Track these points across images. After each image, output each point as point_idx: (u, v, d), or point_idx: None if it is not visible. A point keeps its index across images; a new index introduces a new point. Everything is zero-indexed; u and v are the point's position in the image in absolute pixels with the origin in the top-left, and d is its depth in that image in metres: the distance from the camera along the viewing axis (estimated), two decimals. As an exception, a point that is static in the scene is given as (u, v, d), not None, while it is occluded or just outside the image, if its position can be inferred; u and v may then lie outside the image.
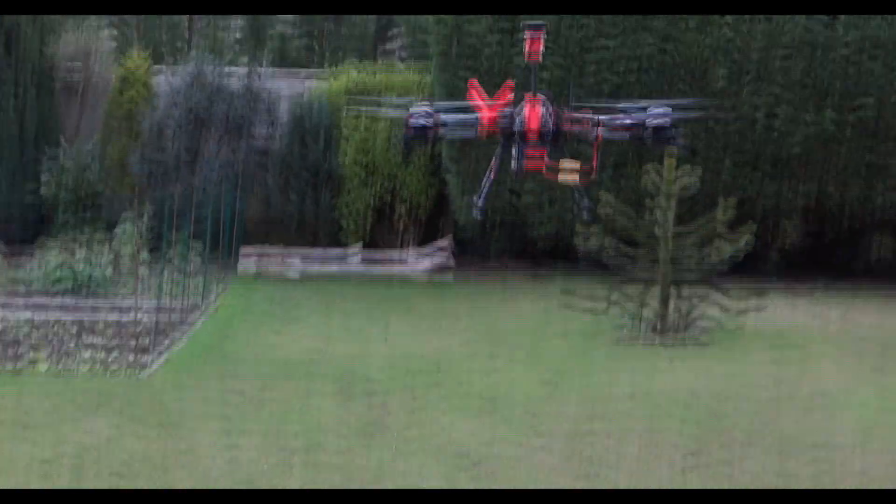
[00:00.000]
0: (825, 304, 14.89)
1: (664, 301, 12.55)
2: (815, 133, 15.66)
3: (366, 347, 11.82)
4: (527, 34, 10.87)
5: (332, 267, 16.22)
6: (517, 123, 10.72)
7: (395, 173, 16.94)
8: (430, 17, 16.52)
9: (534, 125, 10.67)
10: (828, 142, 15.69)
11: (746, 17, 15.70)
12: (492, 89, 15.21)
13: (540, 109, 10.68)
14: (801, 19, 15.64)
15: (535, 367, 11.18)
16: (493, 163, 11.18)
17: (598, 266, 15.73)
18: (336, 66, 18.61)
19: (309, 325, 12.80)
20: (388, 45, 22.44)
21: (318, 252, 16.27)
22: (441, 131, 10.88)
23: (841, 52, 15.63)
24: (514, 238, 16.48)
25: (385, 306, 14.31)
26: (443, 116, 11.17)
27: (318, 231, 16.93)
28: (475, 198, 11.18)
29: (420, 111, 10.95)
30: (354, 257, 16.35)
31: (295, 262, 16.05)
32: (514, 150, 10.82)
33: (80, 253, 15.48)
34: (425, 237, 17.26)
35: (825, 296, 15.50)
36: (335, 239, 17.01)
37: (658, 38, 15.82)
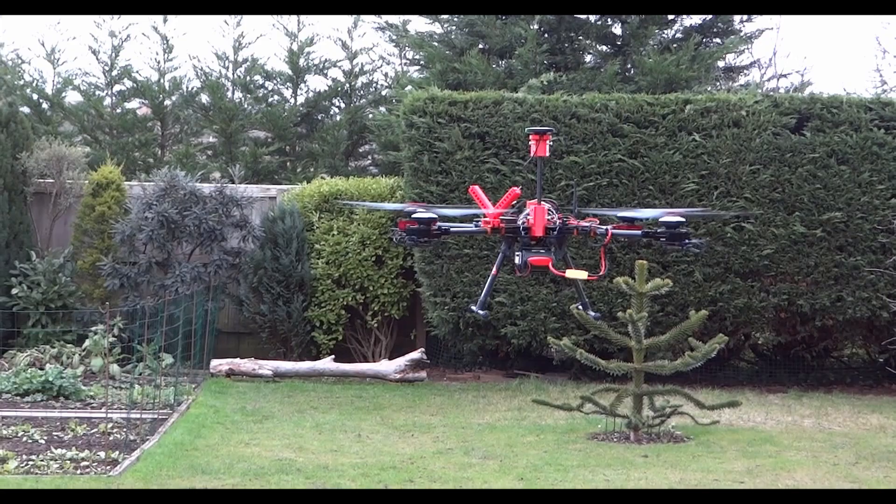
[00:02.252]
0: (799, 402, 15.00)
1: (637, 399, 12.55)
2: (785, 240, 15.83)
3: (339, 448, 11.71)
4: (533, 138, 11.09)
5: (305, 366, 16.24)
6: (521, 222, 10.88)
7: (366, 282, 16.99)
8: (401, 132, 16.67)
9: (539, 224, 10.81)
10: (798, 248, 15.86)
11: (715, 127, 15.92)
12: (463, 202, 15.46)
13: (544, 211, 10.85)
14: (768, 129, 15.87)
15: (509, 462, 11.09)
16: (494, 266, 11.32)
17: (570, 367, 15.86)
18: (308, 181, 18.75)
19: (281, 429, 12.67)
20: (360, 162, 22.68)
21: (288, 365, 16.24)
22: (447, 225, 11.04)
23: (809, 158, 15.86)
24: (488, 340, 16.50)
25: (357, 406, 14.26)
26: (445, 211, 11.36)
27: (290, 339, 16.95)
28: (476, 306, 11.29)
29: (420, 210, 11.16)
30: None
31: (266, 370, 16.02)
32: (517, 249, 10.95)
33: (51, 361, 15.47)
34: (398, 343, 17.33)
35: (799, 393, 15.64)
36: (307, 348, 17.04)
37: (628, 147, 15.99)
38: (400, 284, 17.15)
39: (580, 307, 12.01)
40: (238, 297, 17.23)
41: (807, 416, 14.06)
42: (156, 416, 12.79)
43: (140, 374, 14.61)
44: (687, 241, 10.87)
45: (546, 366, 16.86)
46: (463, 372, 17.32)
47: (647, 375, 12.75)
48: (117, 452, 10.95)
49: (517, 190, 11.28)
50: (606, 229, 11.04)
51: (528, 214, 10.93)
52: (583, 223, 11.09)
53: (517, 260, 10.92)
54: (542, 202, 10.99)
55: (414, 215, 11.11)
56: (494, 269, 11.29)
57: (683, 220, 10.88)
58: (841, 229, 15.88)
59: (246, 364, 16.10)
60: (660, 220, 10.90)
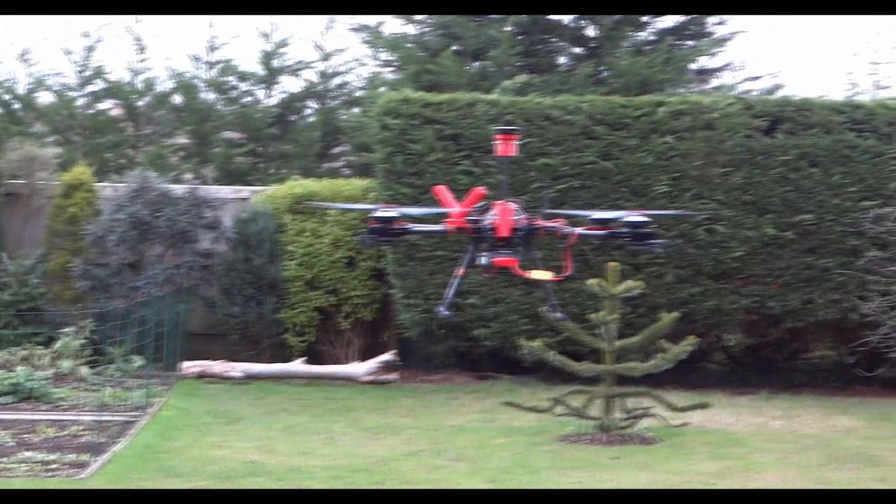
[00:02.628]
0: (768, 404, 15.05)
1: (608, 400, 12.57)
2: (756, 242, 15.88)
3: (309, 450, 11.70)
4: (499, 137, 11.00)
5: (276, 368, 16.23)
6: (487, 222, 10.78)
7: (338, 284, 16.98)
8: (374, 134, 16.66)
9: (504, 225, 10.71)
10: (769, 251, 15.90)
11: (687, 130, 15.96)
12: (435, 204, 15.38)
13: (510, 211, 10.76)
14: (740, 132, 15.91)
15: (480, 464, 11.10)
16: (460, 267, 11.22)
17: (542, 369, 15.86)
18: (281, 182, 18.71)
19: (251, 431, 12.65)
20: (333, 163, 22.64)
21: (259, 367, 16.23)
22: (408, 225, 10.92)
23: (781, 160, 15.91)
24: (459, 342, 16.50)
25: (328, 408, 14.25)
26: (408, 211, 11.26)
27: (262, 341, 16.92)
28: (441, 307, 11.22)
29: (385, 208, 11.06)
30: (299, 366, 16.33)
31: (237, 372, 15.99)
32: (483, 250, 10.86)
33: (21, 363, 15.40)
34: (370, 345, 17.31)
35: (769, 395, 15.69)
36: (279, 350, 17.02)
37: (601, 149, 16.01)
38: (372, 286, 17.13)
39: (549, 309, 11.98)
40: (210, 298, 17.18)
41: (776, 417, 14.10)
42: (126, 418, 12.76)
43: (110, 377, 14.57)
44: (651, 240, 10.79)
45: (517, 368, 16.84)
46: (434, 374, 17.30)
47: (619, 377, 12.76)
48: (87, 455, 10.92)
49: (482, 189, 11.19)
50: (571, 230, 10.96)
51: (493, 215, 10.84)
52: (549, 224, 11.01)
53: (482, 260, 10.82)
54: (509, 202, 10.90)
55: (374, 214, 10.98)
56: (461, 270, 11.18)
57: (648, 219, 10.79)
58: (812, 231, 15.93)
59: (217, 366, 16.06)
60: (623, 219, 10.80)
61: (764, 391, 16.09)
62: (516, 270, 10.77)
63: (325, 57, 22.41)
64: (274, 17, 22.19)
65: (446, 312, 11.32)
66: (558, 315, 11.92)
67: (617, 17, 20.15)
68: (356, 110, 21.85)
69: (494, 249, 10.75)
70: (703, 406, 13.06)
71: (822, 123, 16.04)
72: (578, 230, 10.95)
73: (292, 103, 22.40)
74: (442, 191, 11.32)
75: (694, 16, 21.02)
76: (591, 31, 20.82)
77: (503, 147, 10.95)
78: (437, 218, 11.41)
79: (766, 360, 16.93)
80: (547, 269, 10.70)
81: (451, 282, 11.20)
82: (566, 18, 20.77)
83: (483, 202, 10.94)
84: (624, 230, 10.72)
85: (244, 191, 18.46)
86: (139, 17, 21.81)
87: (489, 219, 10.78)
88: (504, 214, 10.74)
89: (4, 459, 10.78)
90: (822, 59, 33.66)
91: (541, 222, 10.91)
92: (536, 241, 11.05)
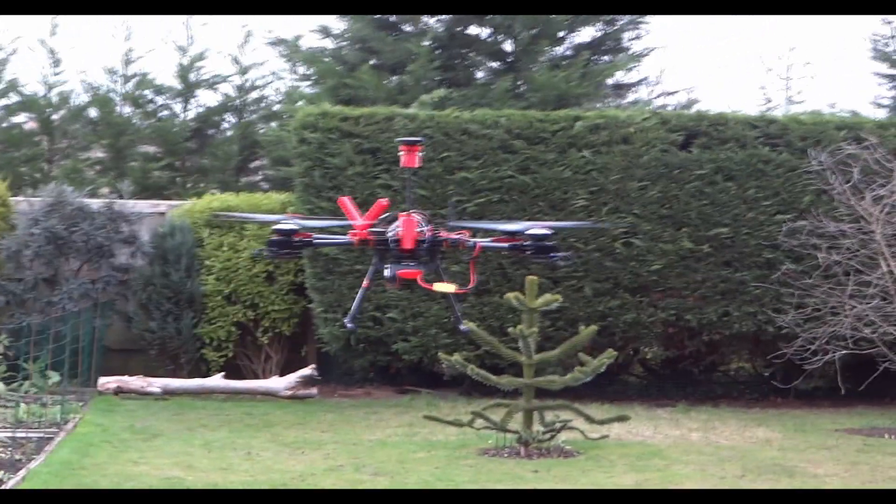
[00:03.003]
0: (687, 416, 15.18)
1: (528, 414, 12.61)
2: (673, 256, 16.02)
3: (228, 466, 11.62)
4: (402, 149, 10.97)
5: (195, 384, 16.12)
6: (391, 234, 10.72)
7: (257, 299, 16.92)
8: (292, 148, 16.63)
9: (408, 236, 10.67)
10: (686, 264, 16.05)
11: (604, 144, 16.08)
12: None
13: (414, 223, 10.71)
14: (657, 146, 16.05)
15: (400, 479, 11.09)
16: (365, 279, 11.17)
17: (462, 383, 15.90)
18: (198, 197, 18.61)
19: (170, 447, 12.55)
20: (251, 177, 22.57)
21: (177, 382, 16.12)
22: (310, 238, 10.85)
23: (696, 174, 16.07)
24: (379, 356, 16.48)
25: (247, 423, 14.19)
26: (311, 223, 11.17)
27: (180, 356, 16.81)
28: (346, 319, 11.15)
29: (288, 220, 10.98)
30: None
31: (155, 388, 15.86)
32: (387, 262, 10.81)
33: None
34: (289, 359, 17.25)
35: (687, 407, 15.83)
36: (197, 365, 16.92)
37: (519, 163, 16.08)
38: (291, 301, 17.08)
39: (453, 320, 11.97)
40: (127, 313, 17.05)
41: (694, 429, 14.22)
42: (42, 435, 12.60)
43: (26, 393, 14.40)
44: (553, 254, 10.81)
45: (437, 382, 16.89)
46: (354, 388, 17.28)
47: (538, 391, 12.81)
48: (2, 472, 10.77)
49: (384, 201, 11.17)
50: (475, 242, 10.97)
51: (397, 227, 10.79)
52: (452, 235, 11.00)
53: (386, 273, 10.77)
54: (413, 214, 10.86)
55: (275, 227, 10.93)
56: (366, 282, 11.13)
57: (550, 232, 10.82)
58: (728, 245, 16.10)
59: (135, 382, 15.93)
60: (525, 232, 10.82)
61: (682, 403, 16.25)
62: (420, 282, 10.75)
63: (243, 71, 22.33)
64: (189, 32, 22.08)
65: (351, 325, 11.28)
66: (462, 328, 11.94)
67: (534, 31, 20.25)
68: (274, 124, 21.81)
69: (399, 261, 10.72)
70: (622, 419, 13.15)
71: (736, 138, 16.23)
72: (482, 242, 10.98)
73: (210, 117, 22.30)
74: (345, 202, 11.24)
75: (610, 31, 21.20)
76: (508, 46, 20.92)
77: (407, 158, 10.92)
78: (340, 230, 11.36)
79: (685, 373, 17.11)
80: (451, 281, 10.71)
81: (358, 294, 11.16)
82: (484, 33, 20.88)
83: (387, 214, 10.91)
84: (527, 243, 10.77)
85: (162, 205, 18.34)
86: (54, 30, 21.62)
87: (393, 231, 10.74)
88: (408, 226, 10.70)
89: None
90: (735, 75, 34.06)
91: (445, 234, 10.90)
92: (441, 253, 11.06)
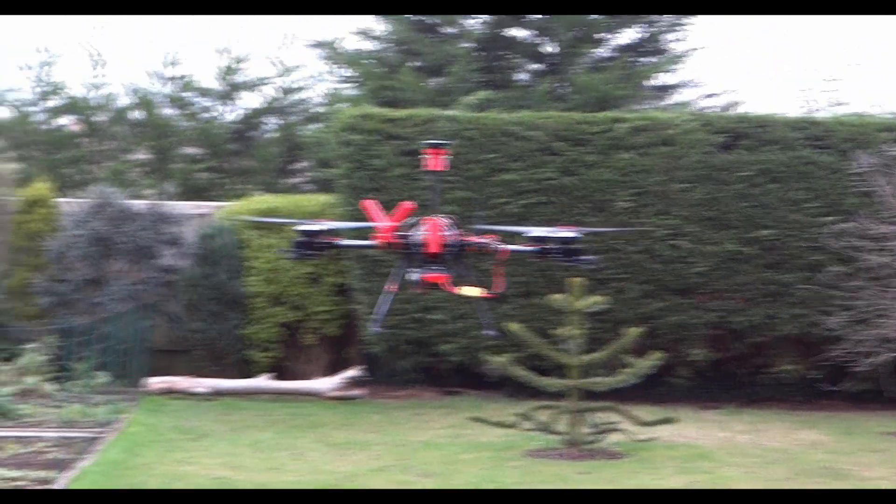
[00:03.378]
0: (733, 418, 15.14)
1: (574, 415, 12.60)
2: (718, 258, 15.98)
3: (276, 466, 11.67)
4: (428, 151, 11.00)
5: (241, 384, 16.18)
6: (416, 238, 10.75)
7: (302, 300, 16.96)
8: (334, 149, 16.65)
9: (434, 240, 10.70)
10: (730, 266, 16.00)
11: (646, 145, 16.05)
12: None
13: (441, 226, 10.74)
14: (700, 148, 16.01)
15: (447, 480, 11.10)
16: (391, 283, 11.21)
17: (507, 384, 15.89)
18: (242, 198, 18.69)
19: (218, 447, 12.60)
20: (294, 179, 22.64)
21: (225, 383, 16.18)
22: (334, 240, 10.90)
23: (740, 176, 16.02)
24: (424, 358, 16.50)
25: (294, 424, 14.23)
26: (336, 225, 11.25)
27: (226, 357, 16.87)
28: (372, 323, 11.22)
29: (311, 223, 11.04)
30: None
31: (203, 388, 15.92)
32: (413, 266, 10.85)
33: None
34: (335, 360, 17.29)
35: (733, 410, 15.78)
36: (243, 366, 16.97)
37: (561, 165, 16.07)
38: (336, 302, 17.11)
39: (482, 325, 11.97)
40: (172, 314, 17.13)
41: (741, 432, 14.18)
42: (91, 434, 12.69)
43: (75, 393, 14.49)
44: (581, 256, 10.81)
45: (482, 383, 16.88)
46: (400, 389, 17.30)
47: (584, 392, 12.81)
48: (54, 472, 10.85)
49: (410, 203, 11.18)
50: (502, 246, 10.98)
51: (423, 230, 10.82)
52: (479, 239, 11.01)
53: (412, 277, 10.81)
54: (439, 217, 10.89)
55: (298, 228, 10.96)
56: (392, 286, 11.15)
57: (578, 235, 10.83)
58: (772, 247, 16.05)
59: (182, 382, 15.99)
60: (553, 235, 10.82)
61: (729, 406, 16.20)
62: (447, 287, 10.77)
63: (284, 73, 22.41)
64: (231, 35, 22.19)
65: (377, 328, 11.31)
66: (490, 332, 11.96)
67: (575, 33, 20.24)
68: (316, 126, 21.86)
69: (425, 265, 10.75)
70: (669, 421, 13.10)
71: (780, 140, 16.17)
72: (509, 246, 10.98)
73: (252, 119, 22.39)
74: (370, 205, 11.29)
75: (651, 32, 21.17)
76: (549, 48, 20.92)
77: (432, 161, 10.94)
78: (366, 232, 11.41)
79: (731, 375, 17.00)
80: (478, 285, 10.74)
81: (383, 298, 11.19)
82: (524, 35, 20.88)
83: (413, 217, 10.94)
84: (554, 246, 10.77)
85: (205, 206, 18.42)
86: (98, 32, 21.75)
87: (419, 234, 10.77)
88: (434, 230, 10.73)
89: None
90: (779, 77, 33.91)
91: (471, 238, 10.92)
92: (468, 257, 11.08)
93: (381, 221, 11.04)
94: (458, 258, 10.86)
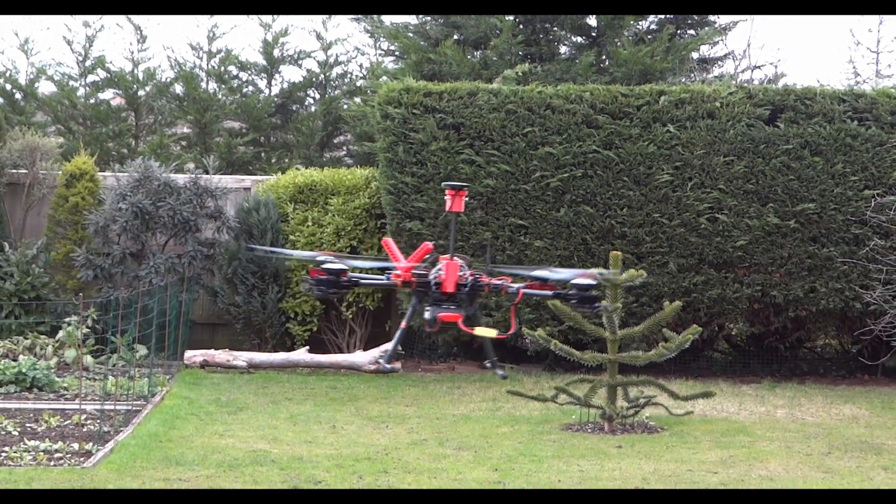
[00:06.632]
0: (772, 393, 15.07)
1: (612, 389, 12.58)
2: (759, 232, 15.87)
3: (313, 439, 11.70)
4: (448, 193, 11.22)
5: (280, 358, 16.23)
6: (433, 277, 11.00)
7: (342, 273, 16.97)
8: (375, 123, 16.64)
9: (450, 280, 10.92)
10: (771, 240, 15.90)
11: (689, 119, 15.95)
12: (437, 193, 15.47)
13: (457, 267, 10.98)
14: (742, 121, 15.90)
15: (484, 453, 11.10)
16: (404, 319, 11.45)
17: (545, 358, 15.89)
18: (283, 172, 18.72)
19: (255, 420, 12.65)
20: (335, 153, 22.67)
21: (262, 356, 16.23)
22: (355, 276, 11.21)
23: (783, 149, 15.90)
24: (462, 332, 16.47)
25: (332, 397, 14.28)
26: (355, 263, 11.55)
27: (265, 330, 16.94)
28: (383, 359, 11.43)
29: (331, 260, 11.30)
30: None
31: (241, 362, 15.98)
32: (428, 304, 11.06)
33: (25, 353, 15.42)
34: (373, 334, 17.33)
35: (772, 384, 15.72)
36: (282, 339, 17.03)
37: (603, 138, 16.00)
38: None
39: (489, 364, 12.02)
40: (212, 288, 17.22)
41: (780, 406, 14.12)
42: (130, 407, 12.76)
43: (114, 366, 14.58)
44: (597, 304, 11.25)
45: (520, 357, 16.89)
46: (437, 363, 17.33)
47: (622, 366, 12.78)
48: (91, 444, 10.92)
49: (430, 245, 11.47)
50: (518, 288, 11.23)
51: (439, 270, 11.09)
52: (494, 281, 11.25)
53: (427, 315, 11.09)
54: (455, 258, 11.13)
55: (323, 266, 11.21)
56: (404, 323, 11.49)
57: (594, 282, 11.17)
58: (814, 220, 15.93)
59: (220, 355, 16.07)
60: (571, 282, 11.18)
61: (767, 380, 16.14)
62: (461, 326, 10.97)
63: (326, 46, 22.42)
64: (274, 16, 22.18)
65: (388, 366, 11.72)
66: (500, 373, 12.02)
67: (621, 15, 20.13)
68: (357, 100, 21.86)
69: (439, 304, 10.98)
70: (706, 395, 13.07)
71: (823, 112, 16.04)
72: (523, 288, 11.21)
73: (293, 93, 22.42)
74: (389, 244, 11.64)
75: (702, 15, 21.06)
76: (591, 21, 20.82)
77: (453, 203, 11.11)
78: (383, 271, 11.73)
79: (770, 349, 16.96)
80: (491, 326, 10.94)
81: (395, 335, 11.48)
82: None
83: (430, 256, 11.21)
84: (571, 292, 11.07)
85: (246, 180, 18.47)
86: (145, 16, 21.81)
87: (435, 274, 11.02)
88: (450, 270, 10.96)
89: (8, 449, 10.78)
90: (823, 48, 33.61)
91: (486, 279, 11.14)
92: (479, 297, 11.34)
93: (400, 260, 11.38)
94: (471, 298, 11.15)
